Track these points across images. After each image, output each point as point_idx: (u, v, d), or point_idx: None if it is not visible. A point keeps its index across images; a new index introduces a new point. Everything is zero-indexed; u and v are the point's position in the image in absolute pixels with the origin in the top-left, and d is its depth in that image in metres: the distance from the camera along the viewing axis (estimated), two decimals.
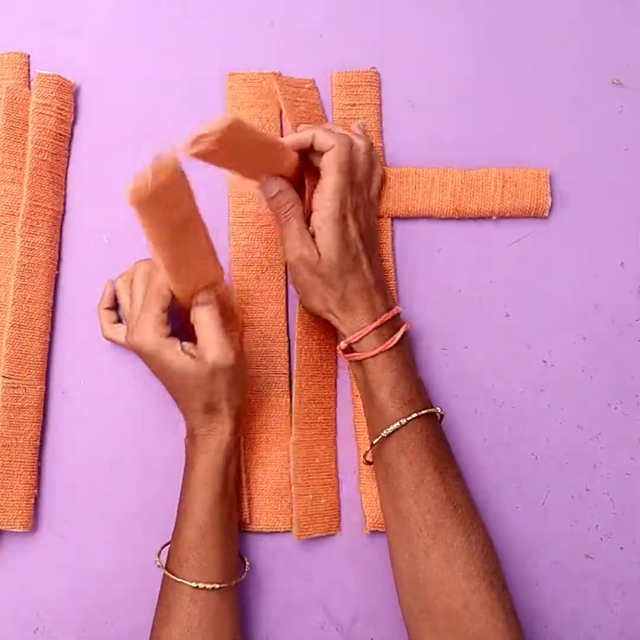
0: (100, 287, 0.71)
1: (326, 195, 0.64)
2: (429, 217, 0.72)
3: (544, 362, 0.72)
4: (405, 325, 0.66)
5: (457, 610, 0.60)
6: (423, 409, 0.64)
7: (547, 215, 0.71)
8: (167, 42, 0.72)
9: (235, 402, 0.65)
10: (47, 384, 0.70)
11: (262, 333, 0.71)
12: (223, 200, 0.71)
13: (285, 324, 0.71)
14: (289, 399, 0.70)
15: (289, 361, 0.71)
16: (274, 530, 0.70)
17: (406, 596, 0.63)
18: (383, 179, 0.70)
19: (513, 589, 0.68)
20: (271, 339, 0.71)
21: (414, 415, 0.63)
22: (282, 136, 0.72)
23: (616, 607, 0.70)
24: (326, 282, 0.65)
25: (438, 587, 0.61)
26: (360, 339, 0.65)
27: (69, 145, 0.72)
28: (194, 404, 0.65)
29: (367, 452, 0.67)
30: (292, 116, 0.70)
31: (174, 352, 0.63)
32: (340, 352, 0.67)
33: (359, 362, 0.65)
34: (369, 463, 0.67)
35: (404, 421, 0.63)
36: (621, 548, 0.71)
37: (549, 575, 0.71)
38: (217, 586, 0.63)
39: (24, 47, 0.72)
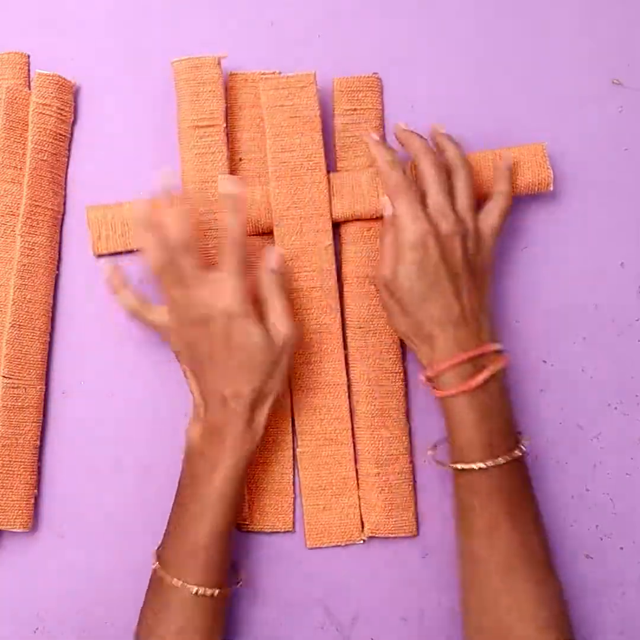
0: (100, 287, 0.71)
1: (402, 222, 0.63)
2: None
3: (544, 362, 0.72)
4: (495, 365, 0.62)
5: None
6: (501, 455, 0.61)
7: (551, 189, 0.71)
8: (167, 42, 0.72)
9: (278, 396, 0.64)
10: (47, 384, 0.70)
11: None
12: None
13: None
14: (289, 399, 0.70)
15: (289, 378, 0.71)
16: (274, 530, 0.70)
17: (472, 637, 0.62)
18: (508, 206, 0.68)
19: None
20: None
21: (490, 463, 0.61)
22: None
23: (616, 607, 0.70)
24: (403, 308, 0.64)
25: (504, 631, 0.60)
26: (437, 375, 0.63)
27: (69, 145, 0.72)
28: (245, 389, 0.62)
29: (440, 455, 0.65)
30: (272, 124, 0.69)
31: (254, 322, 0.61)
32: (421, 384, 0.65)
33: (442, 399, 0.63)
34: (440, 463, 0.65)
35: (475, 467, 0.61)
36: (621, 548, 0.71)
37: None
38: (217, 592, 0.62)
39: (24, 47, 0.72)
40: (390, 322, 0.66)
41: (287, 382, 0.65)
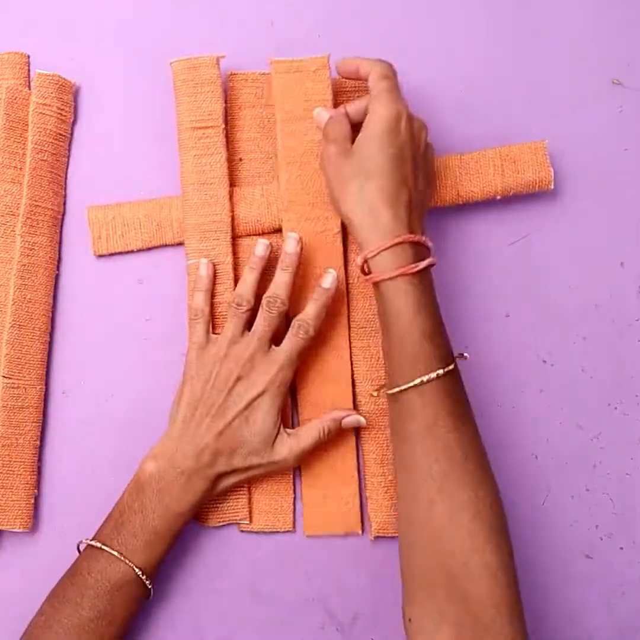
0: (99, 287, 0.71)
1: (378, 99, 0.63)
2: (430, 209, 0.71)
3: (544, 362, 0.72)
4: (431, 258, 0.61)
5: (456, 569, 0.56)
6: (446, 351, 0.60)
7: (552, 187, 0.71)
8: (167, 42, 0.72)
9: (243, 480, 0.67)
10: (47, 384, 0.70)
11: None
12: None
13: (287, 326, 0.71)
14: (289, 399, 0.70)
15: None
16: (275, 530, 0.70)
17: (405, 555, 0.60)
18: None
19: None
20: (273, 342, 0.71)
21: (440, 371, 0.59)
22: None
23: (616, 607, 0.70)
24: (353, 174, 0.62)
25: (438, 543, 0.57)
26: (377, 254, 0.61)
27: (69, 145, 0.72)
28: (225, 463, 0.65)
29: (381, 387, 0.64)
30: (283, 109, 0.69)
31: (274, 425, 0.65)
32: (359, 271, 0.63)
33: (377, 287, 0.61)
34: (373, 397, 0.65)
35: (425, 378, 0.59)
36: (621, 548, 0.71)
37: (549, 575, 0.71)
38: (143, 575, 0.62)
39: (24, 47, 0.72)
40: (336, 197, 0.64)
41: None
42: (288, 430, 0.66)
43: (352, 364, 0.70)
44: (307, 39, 0.73)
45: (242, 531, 0.70)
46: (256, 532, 0.70)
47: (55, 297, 0.70)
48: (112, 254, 0.71)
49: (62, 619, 0.61)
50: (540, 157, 0.70)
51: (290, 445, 0.65)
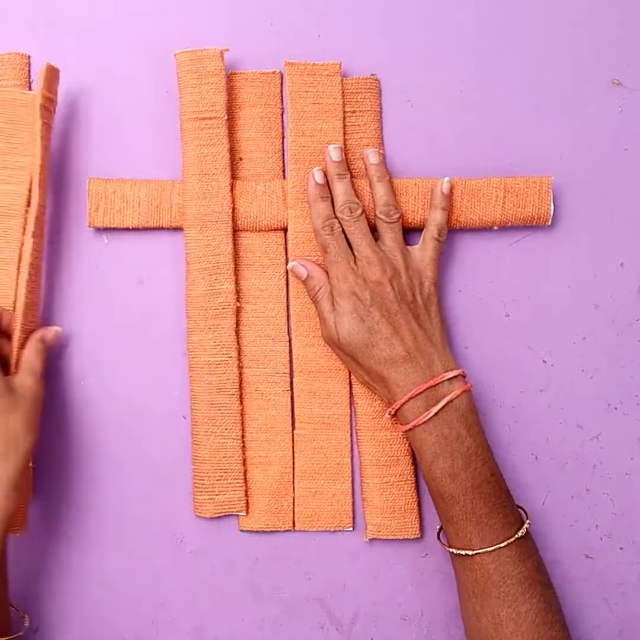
0: (99, 287, 0.71)
1: (332, 278, 0.67)
2: None
3: (544, 362, 0.72)
4: (450, 395, 0.63)
5: None
6: (470, 481, 0.63)
7: (549, 223, 0.71)
8: (167, 42, 0.72)
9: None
10: (47, 384, 0.70)
11: (262, 332, 0.71)
12: None
13: (286, 322, 0.71)
14: (289, 399, 0.71)
15: (290, 360, 0.71)
16: (275, 529, 0.70)
17: None
18: (441, 242, 0.69)
19: None
20: (271, 337, 0.71)
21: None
22: (283, 134, 0.72)
23: (616, 607, 0.70)
24: (353, 359, 0.66)
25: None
26: (395, 412, 0.65)
27: (69, 144, 0.72)
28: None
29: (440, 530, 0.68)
30: (295, 108, 0.70)
31: None
32: (387, 420, 0.68)
33: (403, 432, 0.65)
34: None
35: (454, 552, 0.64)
36: (621, 548, 0.71)
37: (549, 575, 0.71)
38: None
39: (24, 47, 0.72)
40: (354, 375, 0.69)
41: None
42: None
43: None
44: (307, 39, 0.73)
45: (242, 531, 0.70)
46: (256, 532, 0.70)
47: (55, 297, 0.70)
48: (107, 229, 0.70)
49: None
50: (543, 193, 0.70)
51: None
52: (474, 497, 0.63)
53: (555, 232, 0.73)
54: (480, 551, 0.62)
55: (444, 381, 0.64)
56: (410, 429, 0.64)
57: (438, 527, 0.68)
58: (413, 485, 0.70)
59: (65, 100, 0.72)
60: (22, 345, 0.66)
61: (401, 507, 0.70)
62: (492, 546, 0.62)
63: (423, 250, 0.69)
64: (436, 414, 0.63)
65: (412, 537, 0.70)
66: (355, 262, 0.67)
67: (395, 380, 0.64)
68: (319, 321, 0.69)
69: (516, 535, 0.62)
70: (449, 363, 0.66)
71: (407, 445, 0.70)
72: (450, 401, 0.63)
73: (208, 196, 0.69)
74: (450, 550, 0.64)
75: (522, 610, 0.61)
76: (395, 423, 0.66)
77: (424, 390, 0.63)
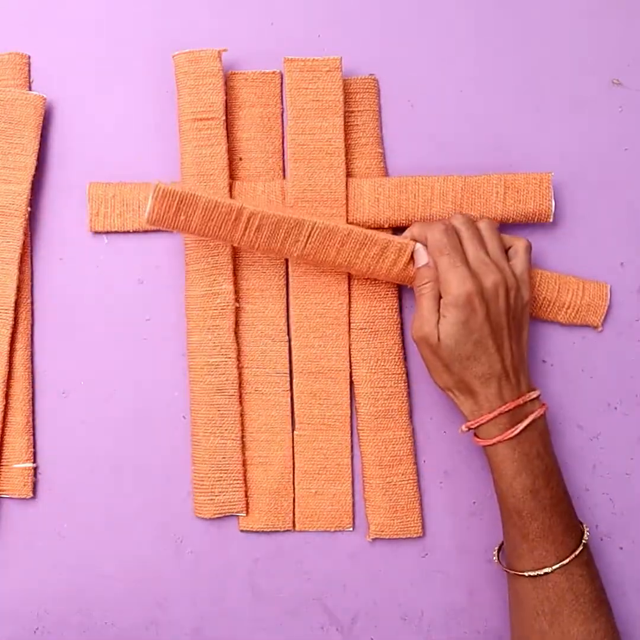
0: (99, 287, 0.71)
1: (447, 282, 0.64)
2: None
3: (544, 362, 0.72)
4: (534, 414, 0.64)
5: None
6: (548, 499, 0.63)
7: (551, 220, 0.71)
8: (166, 42, 0.72)
9: None
10: (47, 384, 0.70)
11: (261, 332, 0.71)
12: None
13: (286, 322, 0.71)
14: (289, 399, 0.71)
15: (290, 360, 0.71)
16: (275, 529, 0.70)
17: None
18: (529, 248, 0.67)
19: None
20: (271, 337, 0.71)
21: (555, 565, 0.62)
22: (282, 133, 0.72)
23: (616, 607, 0.69)
24: (445, 365, 0.64)
25: None
26: (478, 426, 0.64)
27: (68, 145, 0.72)
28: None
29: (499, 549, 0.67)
30: (294, 106, 0.70)
31: None
32: (461, 432, 0.66)
33: (483, 447, 0.65)
34: None
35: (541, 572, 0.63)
36: (621, 548, 0.71)
37: None
38: None
39: (24, 47, 0.72)
40: (432, 375, 0.66)
41: None
42: None
43: (351, 366, 0.71)
44: (307, 39, 0.73)
45: (242, 531, 0.70)
46: (256, 532, 0.70)
47: (55, 297, 0.71)
48: (107, 233, 0.70)
49: None
50: (543, 189, 0.70)
51: None
52: (553, 514, 0.63)
53: (555, 231, 0.73)
54: (556, 568, 0.62)
55: (530, 399, 0.64)
56: (492, 444, 0.63)
57: (496, 549, 0.67)
58: (415, 484, 0.70)
59: (65, 101, 0.72)
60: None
61: (403, 506, 0.70)
62: (563, 561, 0.62)
63: (518, 260, 0.67)
64: (520, 431, 0.63)
65: (415, 536, 0.70)
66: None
67: (486, 395, 0.64)
68: (414, 315, 0.66)
69: (580, 549, 0.63)
70: (530, 381, 0.66)
71: (409, 445, 0.70)
72: (534, 420, 0.64)
73: None
74: (524, 573, 0.63)
75: (593, 628, 0.62)
76: (474, 437, 0.65)
77: (512, 408, 0.63)
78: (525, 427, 0.63)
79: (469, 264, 0.65)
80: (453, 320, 0.63)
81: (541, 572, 0.62)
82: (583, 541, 0.64)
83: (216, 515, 0.69)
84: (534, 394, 0.65)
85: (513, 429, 0.63)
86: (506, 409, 0.63)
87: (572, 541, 0.63)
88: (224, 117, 0.69)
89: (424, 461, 0.71)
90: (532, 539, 0.63)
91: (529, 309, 0.67)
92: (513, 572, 0.64)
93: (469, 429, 0.65)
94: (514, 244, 0.68)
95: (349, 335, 0.71)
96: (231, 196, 0.70)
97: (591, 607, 0.62)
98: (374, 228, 0.70)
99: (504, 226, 0.71)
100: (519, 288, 0.66)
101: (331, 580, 0.71)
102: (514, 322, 0.65)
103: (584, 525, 0.65)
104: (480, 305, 0.63)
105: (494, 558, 0.68)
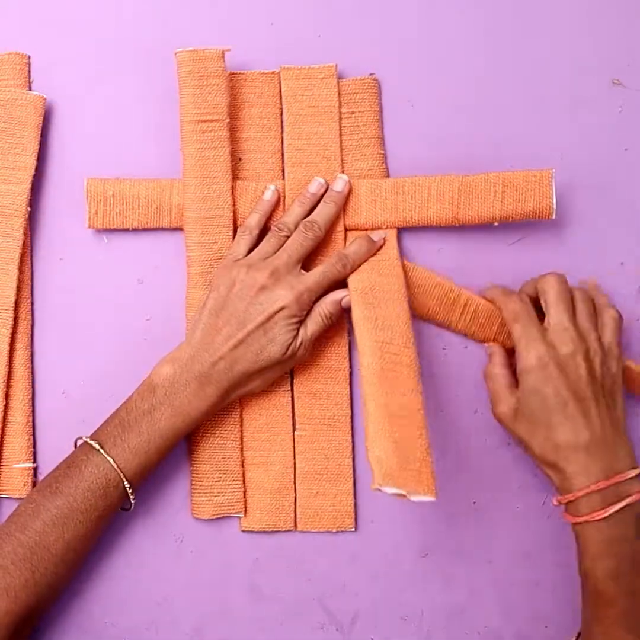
0: (99, 287, 0.71)
1: (519, 350, 0.63)
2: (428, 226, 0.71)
3: None
4: (631, 497, 0.60)
5: None
6: (629, 584, 0.60)
7: (553, 217, 0.70)
8: (166, 42, 0.72)
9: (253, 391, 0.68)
10: (47, 384, 0.70)
11: None
12: None
13: None
14: (290, 399, 0.70)
15: None
16: (275, 529, 0.70)
17: None
18: (620, 320, 0.67)
19: (514, 589, 0.68)
20: None
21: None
22: (282, 134, 0.72)
23: None
24: (526, 434, 0.63)
25: None
26: (566, 502, 0.62)
27: (69, 144, 0.72)
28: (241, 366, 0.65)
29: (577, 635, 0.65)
30: (291, 112, 0.70)
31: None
32: (555, 505, 0.64)
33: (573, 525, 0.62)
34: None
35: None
36: None
37: (549, 575, 0.71)
38: (125, 480, 0.62)
39: (24, 47, 0.72)
40: (524, 449, 0.66)
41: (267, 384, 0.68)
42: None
43: (351, 361, 0.71)
44: (307, 39, 0.73)
45: (243, 531, 0.70)
46: (257, 532, 0.70)
47: (55, 297, 0.71)
48: (107, 229, 0.70)
49: (51, 508, 0.62)
50: (544, 187, 0.69)
51: (302, 339, 0.65)
52: (635, 602, 0.60)
53: (555, 231, 0.73)
54: None
55: (627, 479, 0.61)
56: (579, 523, 0.61)
57: (576, 635, 0.66)
58: (426, 439, 0.62)
59: (65, 100, 0.72)
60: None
61: (413, 459, 0.60)
62: None
63: (607, 330, 0.65)
64: (612, 513, 0.60)
65: (427, 494, 0.57)
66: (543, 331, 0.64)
67: (573, 469, 0.61)
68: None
69: None
70: (632, 458, 0.62)
71: (419, 399, 0.63)
72: (629, 504, 0.60)
73: (209, 199, 0.69)
74: None
75: None
76: (564, 512, 0.63)
77: (606, 486, 0.60)
78: (619, 509, 0.60)
79: (548, 328, 0.64)
80: (527, 387, 0.62)
81: None
82: None
83: (214, 516, 0.69)
84: (633, 473, 0.61)
85: (604, 511, 0.60)
86: (598, 488, 0.60)
87: None
88: (227, 119, 0.69)
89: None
90: (608, 625, 0.61)
91: (620, 387, 0.64)
92: None
93: (560, 503, 0.62)
94: (603, 314, 0.66)
95: (349, 334, 0.71)
96: (233, 197, 0.70)
97: None
98: (372, 230, 0.70)
99: (504, 225, 0.71)
100: (605, 357, 0.64)
101: (331, 580, 0.71)
102: (602, 391, 0.62)
103: None
104: (555, 368, 0.61)
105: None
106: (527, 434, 0.63)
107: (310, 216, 0.68)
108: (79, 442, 0.65)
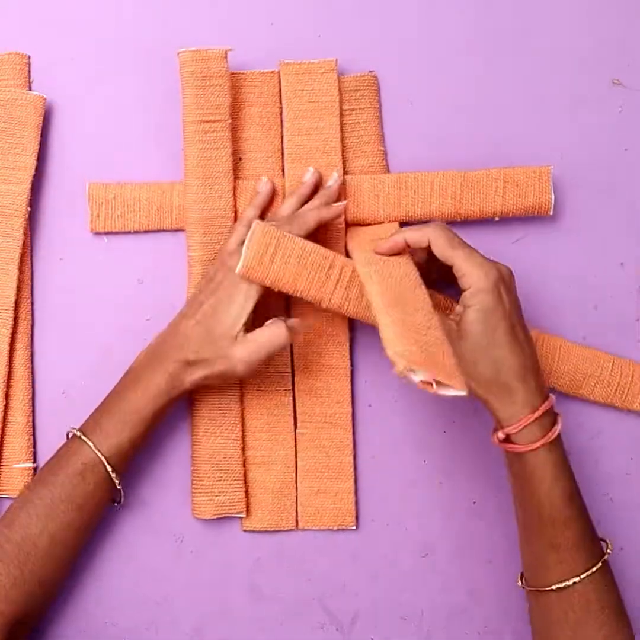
0: (99, 286, 0.71)
1: (470, 273, 0.61)
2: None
3: None
4: (560, 416, 0.62)
5: None
6: (581, 506, 0.62)
7: (551, 213, 0.71)
8: (166, 42, 0.72)
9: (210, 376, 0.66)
10: (47, 384, 0.70)
11: None
12: None
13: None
14: (291, 397, 0.71)
15: (291, 359, 0.71)
16: (276, 528, 0.70)
17: None
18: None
19: (514, 589, 0.68)
20: None
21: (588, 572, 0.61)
22: (282, 133, 0.72)
23: None
24: (475, 360, 0.60)
25: None
26: (520, 430, 0.60)
27: (69, 145, 0.72)
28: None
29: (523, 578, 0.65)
30: (291, 108, 0.70)
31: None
32: (496, 441, 0.62)
33: (518, 454, 0.61)
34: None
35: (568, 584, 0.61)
36: (621, 548, 0.71)
37: None
38: (110, 468, 0.63)
39: (24, 47, 0.72)
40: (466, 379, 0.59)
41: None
42: (249, 335, 0.65)
43: (351, 359, 0.71)
44: (307, 39, 0.73)
45: (244, 531, 0.70)
46: (257, 531, 0.70)
47: (55, 297, 0.71)
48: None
49: (35, 499, 0.63)
50: (543, 183, 0.70)
51: (247, 347, 0.64)
52: (586, 521, 0.62)
53: (555, 231, 0.73)
54: (584, 577, 0.61)
55: (552, 402, 0.62)
56: (534, 449, 0.60)
57: (519, 575, 0.66)
58: None
59: (65, 100, 0.72)
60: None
61: (439, 351, 0.58)
62: (591, 570, 0.61)
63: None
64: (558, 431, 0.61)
65: (460, 387, 0.54)
66: None
67: (525, 392, 0.60)
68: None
69: (605, 557, 0.62)
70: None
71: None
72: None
73: (211, 199, 0.69)
74: (551, 587, 0.61)
75: (618, 638, 0.61)
76: (510, 445, 0.61)
77: (551, 406, 0.61)
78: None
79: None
80: (479, 307, 0.60)
81: (569, 582, 0.61)
82: (608, 551, 0.63)
83: (215, 516, 0.69)
84: (553, 398, 0.62)
85: (552, 432, 0.60)
86: (549, 406, 0.60)
87: (597, 550, 0.62)
88: (229, 120, 0.69)
89: (424, 461, 0.71)
90: (563, 550, 0.61)
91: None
92: (538, 589, 0.63)
93: (508, 434, 0.61)
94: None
95: (350, 331, 0.71)
96: (234, 197, 0.70)
97: (615, 617, 0.62)
98: (374, 224, 0.70)
99: (505, 224, 0.71)
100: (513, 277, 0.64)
101: (331, 580, 0.71)
102: (521, 312, 0.63)
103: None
104: (505, 292, 0.61)
105: (519, 583, 0.66)
106: (474, 354, 0.60)
107: (300, 209, 0.68)
108: (69, 434, 0.66)
